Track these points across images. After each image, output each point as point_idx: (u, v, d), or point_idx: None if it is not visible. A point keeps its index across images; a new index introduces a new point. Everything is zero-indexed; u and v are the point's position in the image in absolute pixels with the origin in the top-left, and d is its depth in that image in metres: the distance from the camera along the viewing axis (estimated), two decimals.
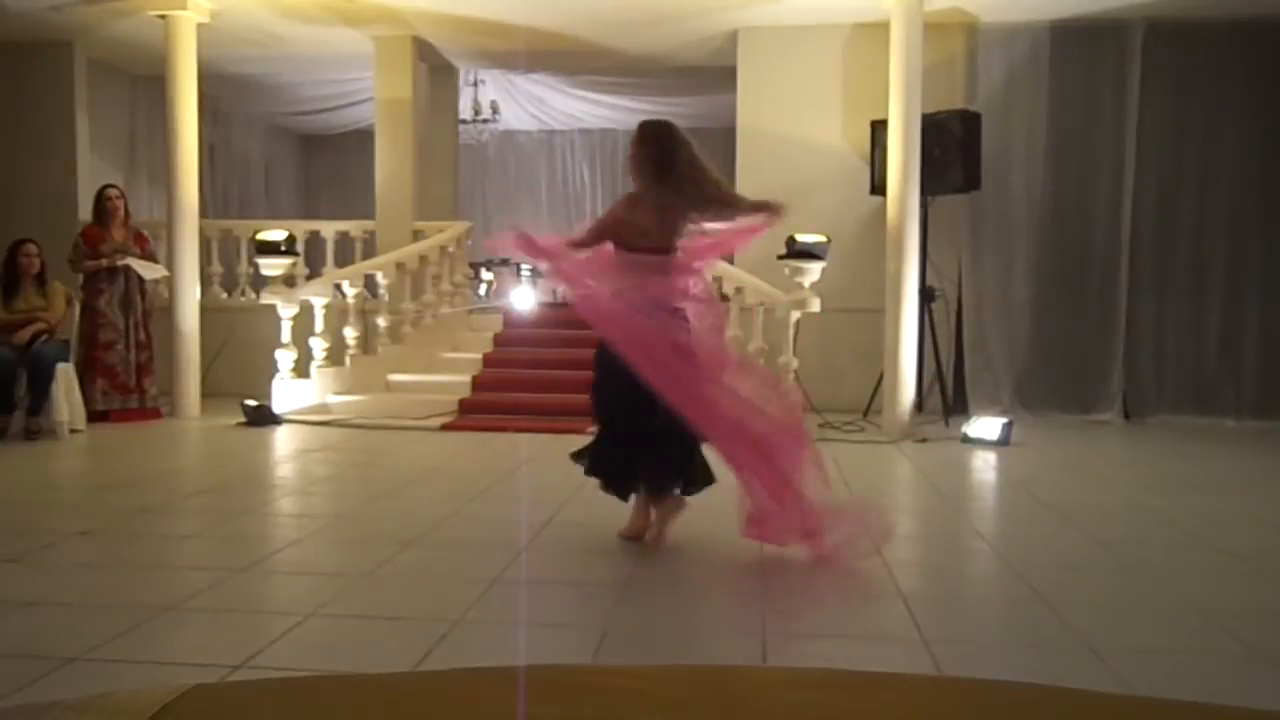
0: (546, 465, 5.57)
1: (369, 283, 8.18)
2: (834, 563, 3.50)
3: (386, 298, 8.12)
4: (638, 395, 3.53)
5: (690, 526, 3.96)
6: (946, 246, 7.90)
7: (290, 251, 7.81)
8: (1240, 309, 7.80)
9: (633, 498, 3.87)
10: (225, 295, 9.05)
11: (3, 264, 6.73)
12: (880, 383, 7.20)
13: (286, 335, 7.58)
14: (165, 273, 7.61)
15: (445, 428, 7.00)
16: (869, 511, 3.75)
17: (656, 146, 3.76)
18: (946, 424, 7.19)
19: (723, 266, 7.61)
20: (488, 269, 11.35)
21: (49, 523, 4.14)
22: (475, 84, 11.22)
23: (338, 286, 7.95)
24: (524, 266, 11.40)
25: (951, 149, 7.25)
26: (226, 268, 9.12)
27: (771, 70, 8.24)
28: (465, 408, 7.43)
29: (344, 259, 9.08)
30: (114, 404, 7.15)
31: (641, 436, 3.68)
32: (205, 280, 8.37)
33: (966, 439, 6.57)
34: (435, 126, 9.87)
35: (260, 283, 8.05)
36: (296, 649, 2.66)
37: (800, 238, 6.96)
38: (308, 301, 7.69)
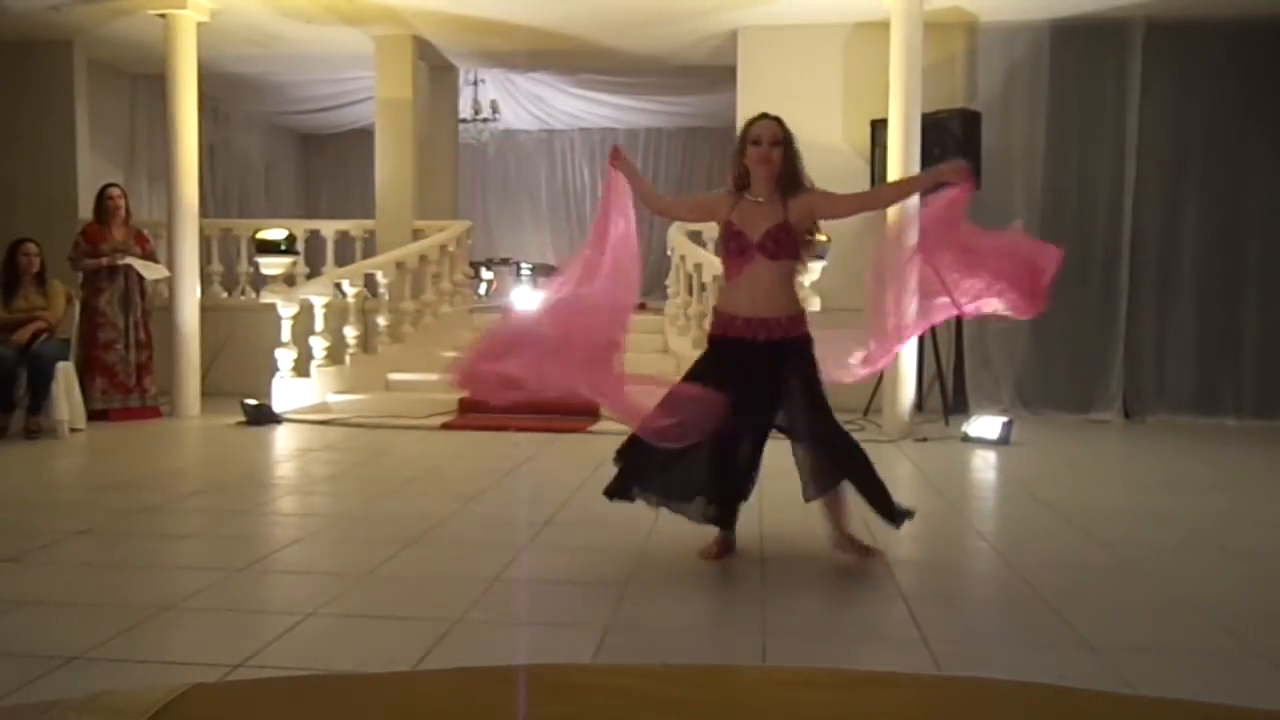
0: (546, 465, 5.58)
1: (369, 282, 8.17)
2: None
3: (386, 297, 8.12)
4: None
5: (692, 526, 3.95)
6: None
7: (290, 251, 7.81)
8: (1240, 308, 7.79)
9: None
10: (225, 294, 9.05)
11: (2, 263, 6.73)
12: (880, 382, 7.20)
13: (286, 334, 7.58)
14: (166, 273, 7.60)
15: (445, 427, 7.00)
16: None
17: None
18: (946, 423, 7.19)
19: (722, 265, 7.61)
20: (488, 268, 11.36)
21: (49, 522, 4.14)
22: (475, 83, 11.22)
23: (338, 285, 7.94)
24: (523, 266, 11.43)
25: (951, 149, 7.22)
26: (226, 267, 9.11)
27: (771, 70, 8.23)
28: (465, 407, 7.42)
29: (344, 258, 9.07)
30: (114, 403, 7.15)
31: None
32: (205, 279, 8.37)
33: (966, 438, 6.57)
34: (435, 126, 9.86)
35: (260, 282, 8.05)
36: (296, 649, 2.66)
37: None
38: (308, 300, 7.69)
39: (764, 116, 3.51)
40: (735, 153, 3.54)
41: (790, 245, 3.49)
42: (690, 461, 3.49)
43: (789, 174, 3.47)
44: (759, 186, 3.49)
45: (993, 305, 3.62)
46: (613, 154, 3.72)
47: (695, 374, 3.58)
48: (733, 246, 3.51)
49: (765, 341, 3.47)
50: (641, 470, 3.57)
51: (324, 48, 9.06)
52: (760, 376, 3.46)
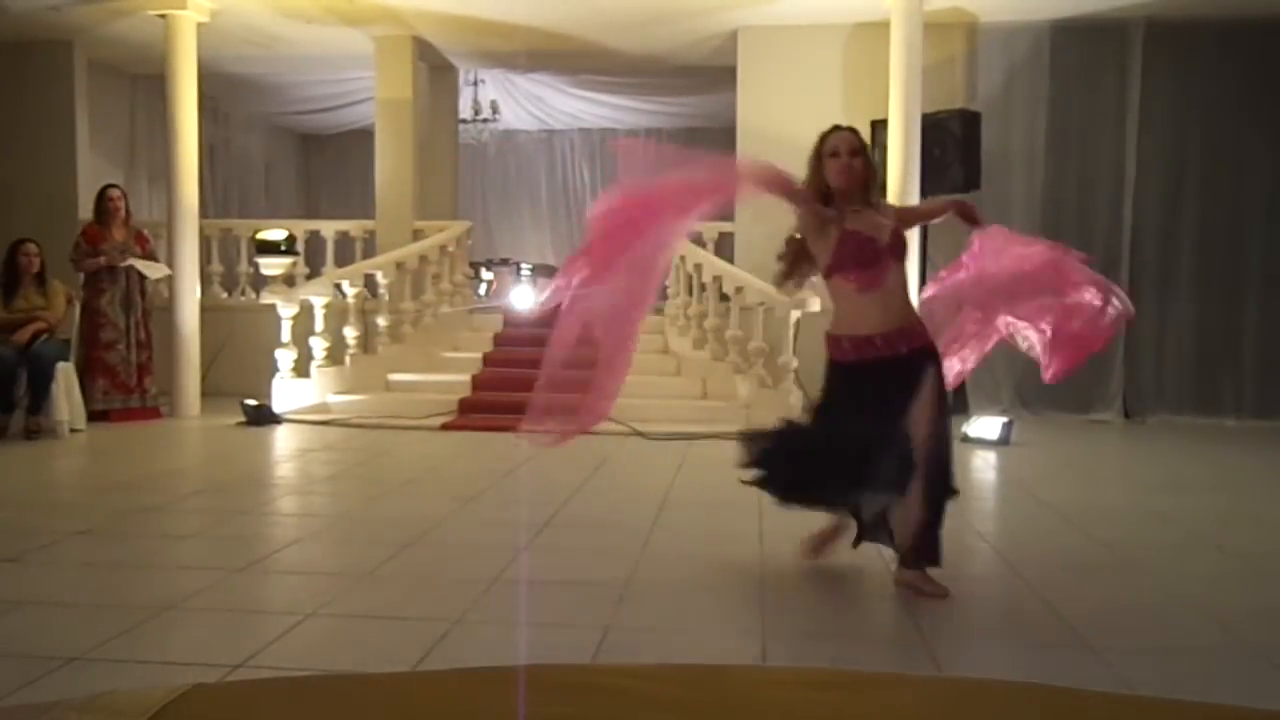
0: (546, 466, 5.57)
1: (369, 282, 8.18)
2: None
3: (386, 297, 8.12)
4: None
5: (692, 527, 3.96)
6: (947, 246, 7.88)
7: (290, 251, 7.81)
8: (1240, 309, 7.80)
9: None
10: (225, 295, 9.05)
11: (2, 263, 6.73)
12: None
13: (286, 335, 7.58)
14: (168, 272, 7.61)
15: (445, 427, 7.00)
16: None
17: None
18: None
19: (722, 266, 7.62)
20: (488, 268, 11.36)
21: (49, 522, 4.14)
22: (475, 84, 11.22)
23: (338, 286, 7.95)
24: (523, 266, 11.42)
25: (951, 149, 7.24)
26: (226, 267, 9.11)
27: (771, 70, 8.23)
28: (465, 407, 7.42)
29: (344, 258, 9.07)
30: (114, 403, 7.14)
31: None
32: (205, 280, 8.37)
33: (967, 439, 6.57)
34: (435, 126, 9.87)
35: (260, 282, 8.04)
36: (296, 649, 2.66)
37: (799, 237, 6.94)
38: (308, 301, 7.69)
39: (837, 128, 3.40)
40: (811, 169, 3.39)
41: (905, 248, 3.39)
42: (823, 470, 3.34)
43: (872, 182, 3.41)
44: (846, 198, 3.34)
45: (1027, 338, 3.56)
46: (803, 197, 3.31)
47: (827, 409, 3.40)
48: (865, 255, 3.26)
49: (908, 354, 3.23)
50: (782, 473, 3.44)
51: (324, 48, 9.06)
52: (897, 391, 3.21)
